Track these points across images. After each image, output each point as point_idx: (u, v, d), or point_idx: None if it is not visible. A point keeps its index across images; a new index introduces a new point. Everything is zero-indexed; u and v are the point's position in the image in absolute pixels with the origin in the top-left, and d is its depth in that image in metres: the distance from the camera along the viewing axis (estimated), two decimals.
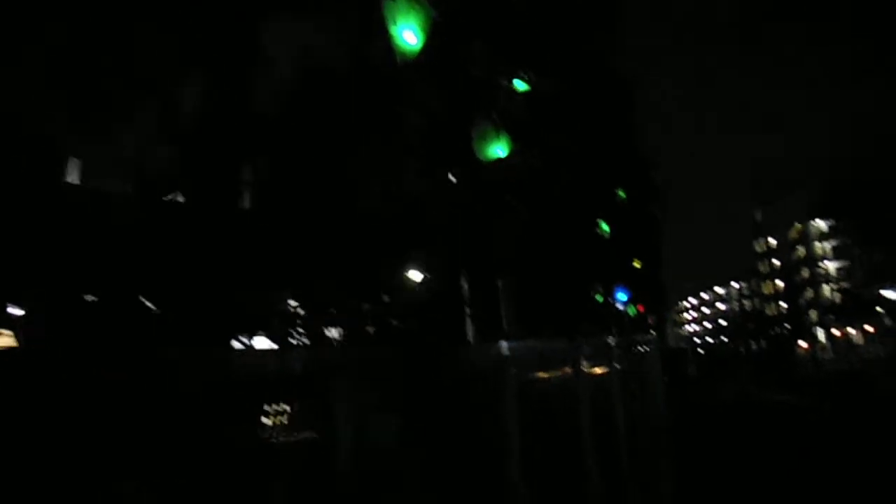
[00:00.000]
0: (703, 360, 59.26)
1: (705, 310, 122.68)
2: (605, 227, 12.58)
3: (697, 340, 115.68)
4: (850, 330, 66.98)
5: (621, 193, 14.87)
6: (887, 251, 46.27)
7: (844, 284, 69.24)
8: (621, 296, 14.30)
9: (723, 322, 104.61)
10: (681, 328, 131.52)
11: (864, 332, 63.96)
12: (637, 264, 16.19)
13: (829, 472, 10.91)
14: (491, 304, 7.21)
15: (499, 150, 7.18)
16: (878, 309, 55.30)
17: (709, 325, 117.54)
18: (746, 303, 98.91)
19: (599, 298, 13.49)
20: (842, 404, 21.05)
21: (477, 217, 6.69)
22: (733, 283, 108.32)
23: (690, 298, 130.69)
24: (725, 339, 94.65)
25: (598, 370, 8.03)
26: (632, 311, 14.01)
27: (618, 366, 8.01)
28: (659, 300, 28.71)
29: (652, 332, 23.72)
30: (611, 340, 8.00)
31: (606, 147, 13.64)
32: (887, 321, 54.94)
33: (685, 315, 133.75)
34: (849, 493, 9.58)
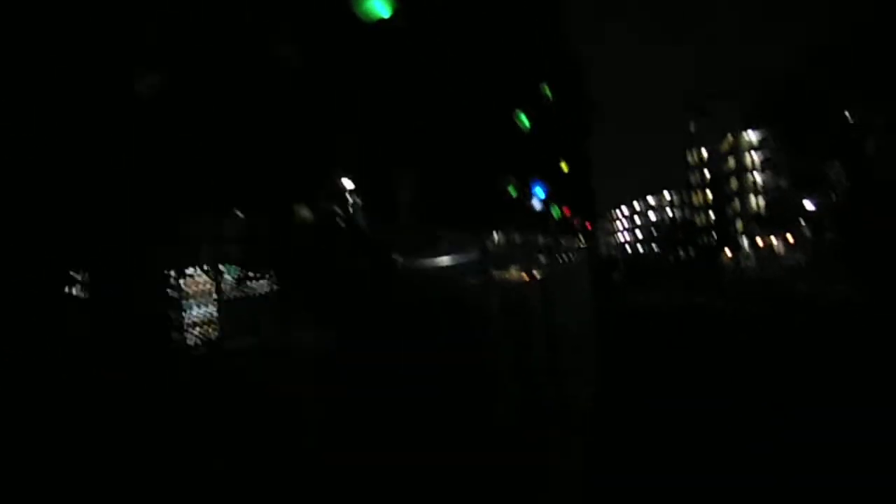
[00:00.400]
0: (633, 267, 60.66)
1: (637, 219, 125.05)
2: (524, 120, 11.69)
3: (629, 249, 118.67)
4: (773, 239, 69.28)
5: (546, 91, 13.99)
6: (810, 163, 47.18)
7: (770, 196, 71.04)
8: (538, 191, 13.57)
9: (654, 231, 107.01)
10: (613, 236, 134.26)
11: (786, 242, 66.20)
12: (564, 166, 15.49)
13: (734, 357, 12.42)
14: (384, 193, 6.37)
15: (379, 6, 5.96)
16: (799, 220, 56.92)
17: (640, 234, 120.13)
18: (677, 212, 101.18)
19: (513, 191, 12.88)
20: (761, 306, 21.72)
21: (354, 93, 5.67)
22: (665, 193, 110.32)
23: (623, 207, 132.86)
24: (656, 248, 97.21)
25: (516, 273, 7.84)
26: (555, 212, 13.39)
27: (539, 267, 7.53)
28: (588, 206, 28.85)
29: (581, 237, 23.73)
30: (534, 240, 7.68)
31: (529, 38, 13.04)
32: (807, 231, 56.73)
33: (617, 223, 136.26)
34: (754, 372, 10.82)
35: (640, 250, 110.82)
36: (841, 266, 26.65)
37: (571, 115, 19.90)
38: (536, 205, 14.32)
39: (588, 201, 29.09)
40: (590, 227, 28.47)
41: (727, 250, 70.30)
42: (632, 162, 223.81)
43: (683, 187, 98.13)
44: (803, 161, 53.87)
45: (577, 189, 21.47)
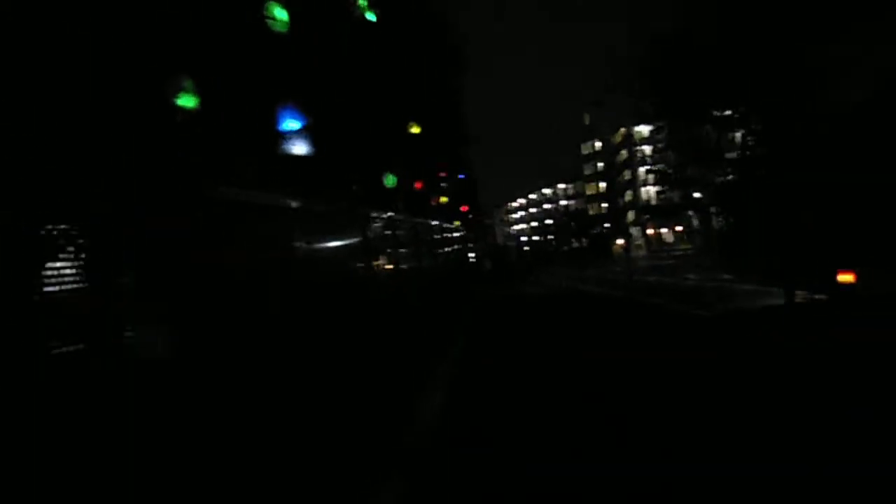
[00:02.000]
0: (526, 255, 60.35)
1: (533, 210, 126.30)
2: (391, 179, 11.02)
3: (524, 238, 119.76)
4: (663, 230, 70.90)
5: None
6: (699, 158, 48.17)
7: (660, 187, 72.68)
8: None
9: (549, 221, 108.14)
10: (510, 227, 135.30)
11: (675, 232, 67.80)
12: (415, 129, 13.70)
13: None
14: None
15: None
16: (688, 212, 58.33)
17: (536, 224, 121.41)
18: (572, 203, 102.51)
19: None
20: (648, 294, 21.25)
21: None
22: (560, 185, 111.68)
23: (520, 199, 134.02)
24: (550, 238, 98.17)
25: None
26: (390, 181, 11.17)
27: None
28: (468, 192, 29.32)
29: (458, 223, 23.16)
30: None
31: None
32: (695, 222, 58.12)
33: (514, 215, 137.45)
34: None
35: (536, 240, 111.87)
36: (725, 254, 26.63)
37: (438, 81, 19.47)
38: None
39: (469, 188, 29.61)
40: (465, 210, 28.28)
41: (618, 240, 71.35)
42: (529, 153, 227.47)
43: (578, 178, 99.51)
44: (692, 156, 55.24)
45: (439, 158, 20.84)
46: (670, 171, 43.43)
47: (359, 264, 8.45)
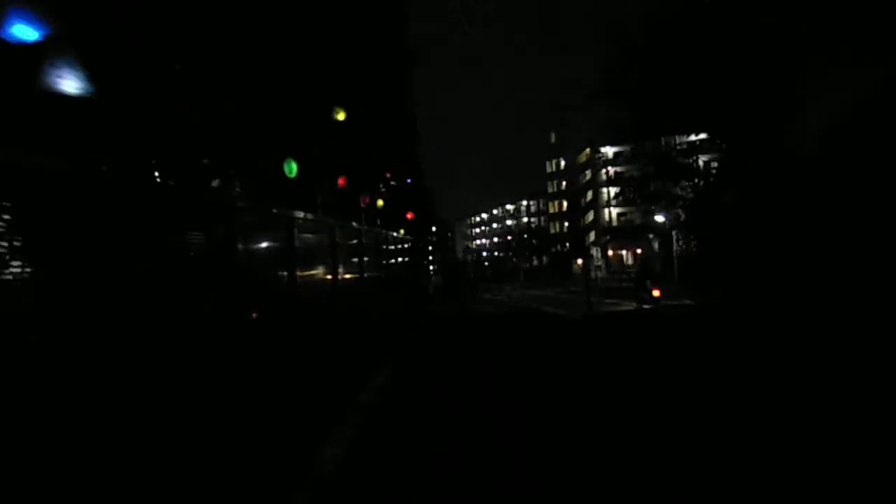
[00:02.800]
0: (485, 271, 59.41)
1: (496, 225, 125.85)
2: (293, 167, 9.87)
3: (485, 254, 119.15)
4: (623, 252, 70.67)
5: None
6: (661, 181, 48.14)
7: (623, 209, 72.55)
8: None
9: (510, 237, 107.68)
10: (471, 241, 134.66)
11: (635, 254, 67.57)
12: (340, 115, 12.24)
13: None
14: None
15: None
16: (649, 235, 58.22)
17: (497, 240, 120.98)
18: (534, 220, 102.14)
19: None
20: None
21: None
22: (523, 201, 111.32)
23: (483, 214, 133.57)
24: (511, 254, 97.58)
25: None
26: (290, 169, 9.70)
27: None
28: (419, 200, 28.16)
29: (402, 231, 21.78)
30: None
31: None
32: (656, 245, 57.92)
33: (476, 229, 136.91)
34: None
35: (497, 254, 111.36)
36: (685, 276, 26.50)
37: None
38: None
39: (418, 197, 28.56)
40: (411, 217, 26.54)
41: (578, 260, 70.91)
42: (494, 170, 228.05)
43: (541, 196, 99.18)
44: (653, 178, 55.13)
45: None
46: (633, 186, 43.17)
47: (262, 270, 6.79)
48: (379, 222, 17.07)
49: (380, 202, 17.77)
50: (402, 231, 21.52)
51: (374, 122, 16.02)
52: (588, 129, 79.19)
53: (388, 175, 20.64)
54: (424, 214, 34.96)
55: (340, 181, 12.96)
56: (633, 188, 46.26)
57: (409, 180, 26.33)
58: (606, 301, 26.67)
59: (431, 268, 54.38)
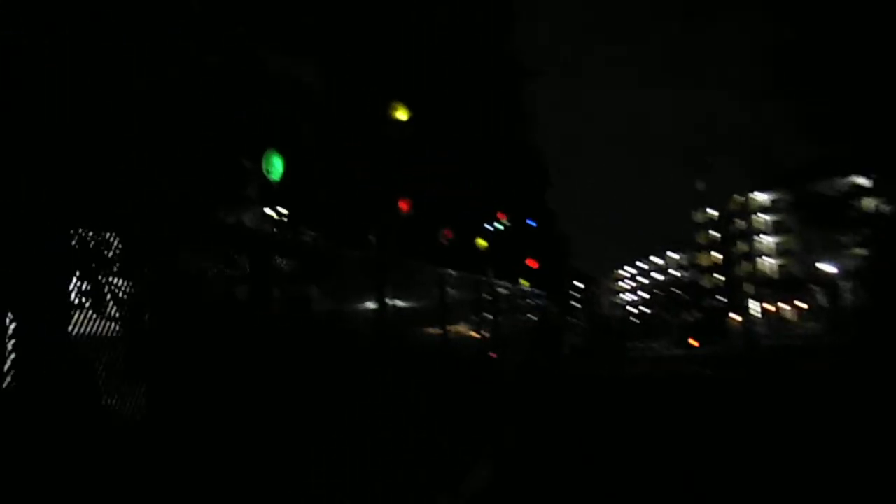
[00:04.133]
0: (633, 328, 57.06)
1: (642, 279, 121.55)
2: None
3: (633, 309, 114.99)
4: (783, 305, 65.63)
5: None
6: (823, 229, 44.28)
7: (781, 260, 67.77)
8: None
9: (658, 292, 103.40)
10: (617, 296, 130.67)
11: (797, 308, 62.52)
12: (401, 112, 10.97)
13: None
14: None
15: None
16: (812, 286, 53.77)
17: (645, 295, 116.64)
18: (683, 273, 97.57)
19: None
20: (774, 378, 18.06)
21: None
22: (671, 254, 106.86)
23: (628, 268, 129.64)
24: (660, 309, 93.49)
25: None
26: (273, 168, 9.05)
27: None
28: (547, 246, 24.68)
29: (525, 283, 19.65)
30: None
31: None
32: (820, 298, 53.32)
33: (621, 284, 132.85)
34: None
35: (645, 310, 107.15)
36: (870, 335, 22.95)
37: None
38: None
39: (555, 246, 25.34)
40: (535, 265, 23.00)
41: (734, 314, 66.61)
42: (638, 222, 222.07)
43: (690, 247, 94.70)
44: (814, 227, 51.05)
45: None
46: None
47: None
48: (490, 271, 15.03)
49: (481, 242, 15.84)
50: (524, 282, 18.49)
51: (474, 145, 14.27)
52: (734, 173, 75.61)
53: (500, 215, 17.86)
54: (557, 265, 31.42)
55: (402, 205, 11.19)
56: (793, 237, 42.99)
57: (531, 222, 22.67)
58: (774, 359, 24.17)
59: (576, 325, 52.81)
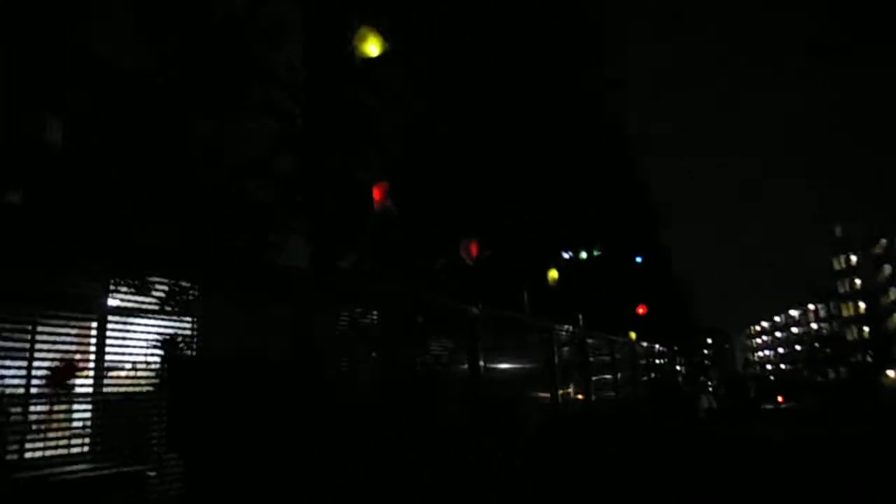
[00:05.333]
0: (769, 386, 52.47)
1: (779, 334, 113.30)
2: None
3: (769, 367, 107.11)
4: None
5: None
6: None
7: None
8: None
9: (798, 347, 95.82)
10: (751, 353, 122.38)
11: None
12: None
13: None
14: None
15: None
16: None
17: (782, 351, 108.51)
18: (824, 326, 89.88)
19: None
20: None
21: None
22: (810, 306, 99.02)
23: (763, 323, 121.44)
24: (800, 366, 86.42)
25: None
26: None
27: None
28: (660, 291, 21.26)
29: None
30: None
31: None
32: None
33: (757, 340, 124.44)
34: None
35: (783, 369, 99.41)
36: None
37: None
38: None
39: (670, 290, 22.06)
40: (643, 312, 18.81)
41: (889, 371, 60.05)
42: (772, 274, 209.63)
43: (830, 298, 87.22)
44: None
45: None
46: None
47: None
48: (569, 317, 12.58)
49: (553, 274, 12.18)
50: (632, 334, 14.75)
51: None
52: (878, 217, 69.40)
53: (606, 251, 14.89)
54: (675, 314, 27.54)
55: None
56: None
57: (637, 258, 18.36)
58: None
59: (709, 385, 49.02)
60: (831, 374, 63.01)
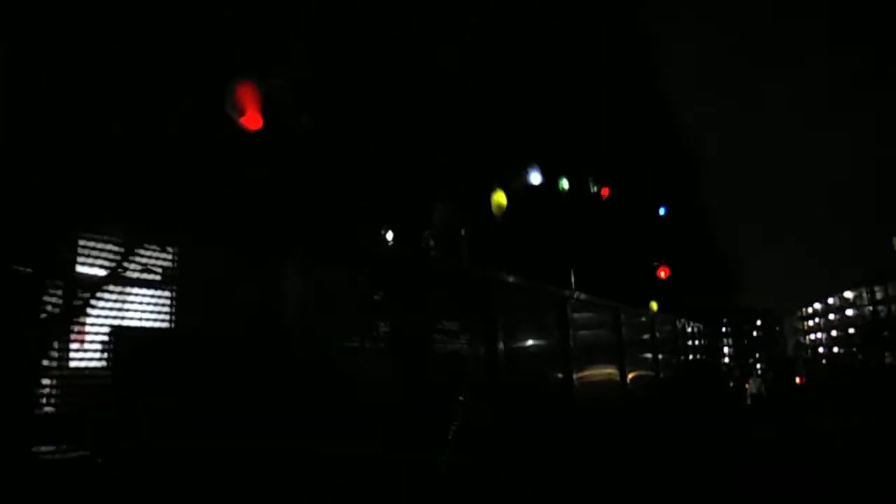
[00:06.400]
0: (821, 370, 50.24)
1: (833, 316, 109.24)
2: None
3: (821, 350, 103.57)
4: None
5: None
6: None
7: None
8: None
9: (853, 330, 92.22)
10: (803, 336, 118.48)
11: None
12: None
13: None
14: None
15: None
16: None
17: (835, 334, 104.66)
18: (881, 308, 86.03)
19: None
20: None
21: None
22: (866, 287, 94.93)
23: (816, 304, 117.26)
24: (855, 349, 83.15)
25: None
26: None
27: None
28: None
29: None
30: None
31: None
32: None
33: (809, 322, 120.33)
34: None
35: (837, 351, 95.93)
36: None
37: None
38: None
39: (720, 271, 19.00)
40: (665, 274, 15.17)
41: None
42: (828, 254, 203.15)
43: (889, 278, 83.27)
44: None
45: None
46: None
47: None
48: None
49: (499, 199, 8.44)
50: (652, 305, 11.42)
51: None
52: None
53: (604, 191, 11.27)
54: (720, 289, 23.91)
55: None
56: None
57: (662, 209, 14.71)
58: None
59: (757, 368, 47.22)
60: (888, 359, 60.08)
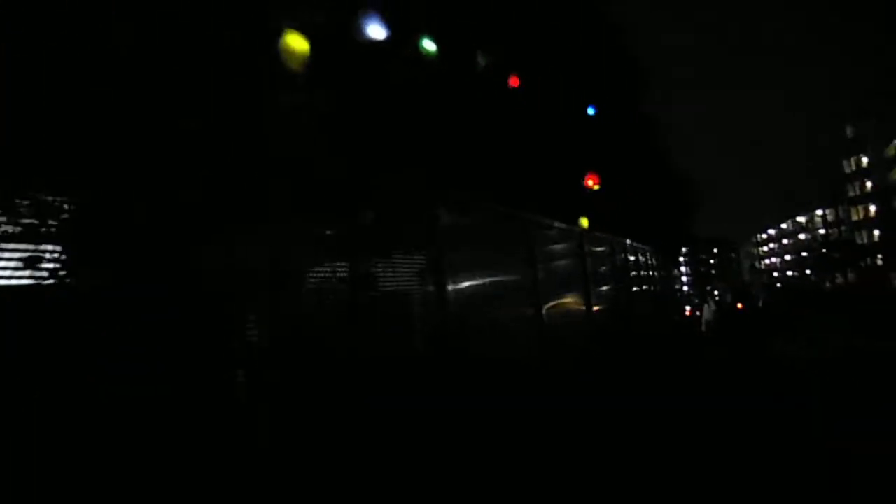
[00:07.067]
0: (778, 295, 51.04)
1: (786, 241, 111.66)
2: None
3: (776, 274, 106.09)
4: None
5: None
6: None
7: None
8: None
9: (805, 253, 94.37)
10: (758, 261, 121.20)
11: None
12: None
13: None
14: None
15: None
16: None
17: (788, 258, 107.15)
18: (832, 231, 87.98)
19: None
20: None
21: None
22: (818, 211, 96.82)
23: (770, 230, 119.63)
24: (808, 272, 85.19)
25: None
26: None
27: None
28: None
29: None
30: None
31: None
32: None
33: (763, 248, 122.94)
34: None
35: (791, 276, 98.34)
36: None
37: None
38: None
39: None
40: (595, 183, 12.21)
41: None
42: (778, 178, 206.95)
43: (839, 202, 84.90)
44: None
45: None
46: None
47: None
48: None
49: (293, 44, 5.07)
50: (584, 221, 9.75)
51: None
52: (890, 117, 66.36)
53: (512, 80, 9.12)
54: (675, 216, 21.77)
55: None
56: None
57: (591, 109, 12.58)
58: None
59: (714, 294, 47.66)
60: (839, 279, 61.63)
